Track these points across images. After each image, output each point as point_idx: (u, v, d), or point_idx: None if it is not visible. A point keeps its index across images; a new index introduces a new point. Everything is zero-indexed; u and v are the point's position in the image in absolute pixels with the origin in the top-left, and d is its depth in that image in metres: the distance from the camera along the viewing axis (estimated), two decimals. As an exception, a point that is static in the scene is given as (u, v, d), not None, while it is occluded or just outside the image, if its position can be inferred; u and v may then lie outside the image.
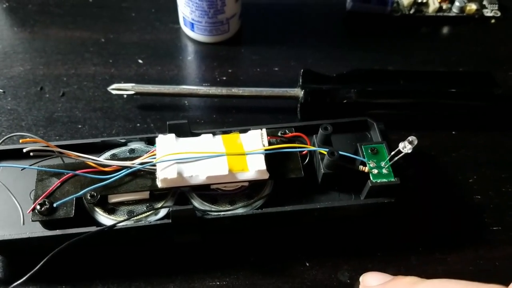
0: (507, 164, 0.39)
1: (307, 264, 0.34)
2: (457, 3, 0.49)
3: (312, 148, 0.34)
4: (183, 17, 0.45)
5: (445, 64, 0.46)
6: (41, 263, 0.28)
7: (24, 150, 0.30)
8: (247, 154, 0.32)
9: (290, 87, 0.41)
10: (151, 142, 0.35)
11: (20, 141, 0.30)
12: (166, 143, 0.33)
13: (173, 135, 0.33)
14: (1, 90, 0.42)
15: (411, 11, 0.49)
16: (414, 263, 0.34)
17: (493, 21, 0.50)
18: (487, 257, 0.35)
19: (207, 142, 0.33)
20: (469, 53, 0.47)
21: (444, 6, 0.49)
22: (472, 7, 0.49)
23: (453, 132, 0.41)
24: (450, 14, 0.49)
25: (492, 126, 0.41)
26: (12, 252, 0.32)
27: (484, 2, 0.50)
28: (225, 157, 0.32)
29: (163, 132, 0.39)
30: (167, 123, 0.35)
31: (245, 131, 0.35)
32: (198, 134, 0.35)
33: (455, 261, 0.34)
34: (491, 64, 0.46)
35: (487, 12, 0.49)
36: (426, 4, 0.49)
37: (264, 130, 0.34)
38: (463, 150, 0.40)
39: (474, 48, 0.48)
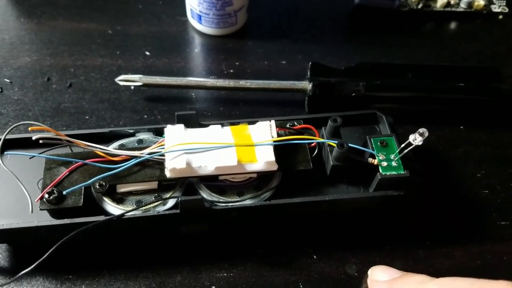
0: (515, 159, 0.39)
1: (315, 257, 0.34)
2: (465, -1, 0.49)
3: (321, 140, 0.33)
4: (191, 9, 0.45)
5: (452, 59, 0.46)
6: (49, 252, 0.28)
7: (33, 138, 0.30)
8: (255, 145, 0.32)
9: (297, 80, 0.41)
10: (159, 133, 0.35)
11: (29, 128, 0.30)
12: (175, 133, 0.32)
13: (181, 125, 0.33)
14: (8, 81, 0.42)
15: (419, 6, 0.49)
16: (421, 257, 0.34)
17: (501, 17, 0.49)
18: (494, 251, 0.35)
19: (216, 133, 0.33)
20: (476, 48, 0.47)
21: (452, 1, 0.49)
22: (480, 2, 0.49)
23: (461, 127, 0.41)
24: (458, 10, 0.49)
25: (500, 121, 0.41)
26: (20, 240, 0.32)
27: (492, -2, 0.50)
28: (234, 148, 0.32)
29: (171, 123, 0.39)
30: (176, 113, 0.34)
31: (253, 123, 0.35)
32: (206, 126, 0.34)
33: (462, 255, 0.34)
34: (498, 60, 0.46)
35: (495, 8, 0.49)
36: (434, -1, 0.49)
37: (272, 122, 0.34)
38: (470, 145, 0.40)
39: (481, 44, 0.47)
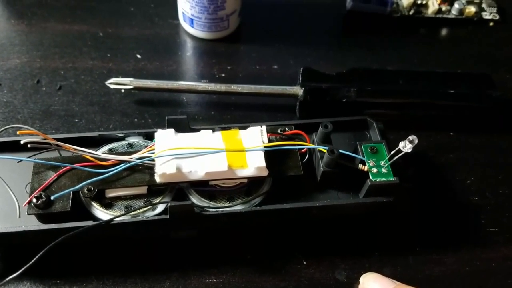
0: (504, 166, 0.39)
1: (304, 263, 0.34)
2: (456, 5, 0.49)
3: (312, 146, 0.33)
4: (183, 13, 0.45)
5: (443, 65, 0.46)
6: (36, 257, 0.28)
7: (22, 142, 0.30)
8: (246, 150, 0.32)
9: (289, 85, 0.41)
10: (149, 137, 0.35)
11: (18, 132, 0.30)
12: (165, 138, 0.32)
13: (172, 130, 0.33)
14: (-3, 83, 0.42)
15: (411, 12, 0.49)
16: (411, 263, 0.34)
17: (491, 24, 0.50)
18: (483, 258, 0.35)
19: (207, 138, 0.33)
20: (467, 55, 0.47)
21: (444, 8, 0.49)
22: (471, 9, 0.49)
23: (451, 133, 0.41)
24: (449, 16, 0.49)
25: (490, 127, 0.41)
26: (7, 245, 0.32)
27: (483, 5, 0.50)
28: (225, 153, 0.32)
29: (161, 127, 0.39)
30: (166, 118, 0.34)
31: (244, 128, 0.34)
32: (197, 130, 0.34)
33: (452, 261, 0.34)
34: (489, 66, 0.46)
35: (486, 15, 0.50)
36: (426, 6, 0.49)
37: (264, 127, 0.34)
38: (461, 151, 0.40)
39: (473, 50, 0.48)
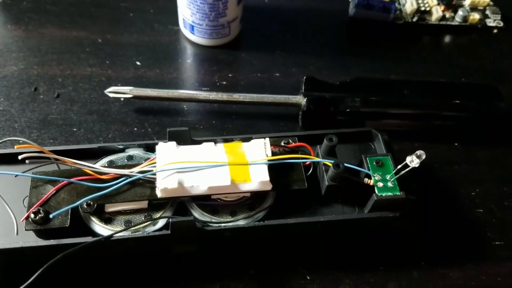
0: (510, 179, 0.39)
1: (308, 278, 0.33)
2: (460, 12, 0.48)
3: (317, 159, 0.33)
4: (183, 19, 0.44)
5: (447, 73, 0.46)
6: (34, 276, 0.27)
7: (20, 157, 0.29)
8: (250, 164, 0.31)
9: (291, 93, 0.40)
10: (150, 148, 0.34)
11: (15, 147, 0.29)
12: (167, 151, 0.32)
13: (174, 143, 0.32)
14: (-6, 90, 0.41)
15: (414, 19, 0.49)
16: (416, 278, 0.34)
17: (495, 31, 0.49)
18: (489, 272, 0.34)
19: (209, 150, 0.32)
20: (470, 62, 0.47)
21: (447, 15, 0.49)
22: (475, 16, 0.48)
23: (455, 144, 0.41)
24: (453, 23, 0.49)
25: (495, 139, 0.41)
26: (4, 263, 0.31)
27: (487, 12, 0.50)
28: (227, 167, 0.31)
29: (161, 137, 0.39)
30: (168, 130, 0.34)
31: (246, 139, 0.34)
32: (198, 142, 0.34)
33: (457, 276, 0.34)
34: (492, 74, 0.46)
35: (490, 22, 0.49)
36: (429, 13, 0.49)
37: (267, 140, 0.33)
38: (466, 163, 0.40)
39: (476, 58, 0.47)
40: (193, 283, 0.32)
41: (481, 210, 0.37)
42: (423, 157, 0.29)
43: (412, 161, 0.29)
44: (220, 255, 0.33)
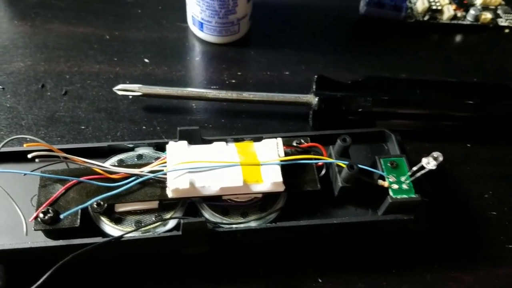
0: (523, 180, 0.38)
1: (320, 280, 0.33)
2: (472, 12, 0.48)
3: (331, 160, 0.32)
4: (192, 16, 0.44)
5: (458, 72, 0.45)
6: (43, 278, 0.26)
7: (29, 156, 0.28)
8: (262, 164, 0.31)
9: (301, 91, 0.39)
10: (159, 147, 0.33)
11: (24, 145, 0.29)
12: (177, 150, 0.31)
13: (185, 142, 0.32)
14: (0, 87, 0.40)
15: (425, 18, 0.48)
16: (429, 281, 0.33)
17: (507, 30, 0.49)
18: (502, 275, 0.34)
19: (220, 150, 0.31)
20: (482, 61, 0.46)
21: (459, 14, 0.48)
22: (487, 16, 0.48)
23: (468, 145, 0.40)
24: (465, 22, 0.48)
25: (508, 139, 0.40)
26: (13, 264, 0.30)
27: (499, 11, 0.49)
28: (240, 167, 0.30)
29: (170, 135, 0.38)
30: (178, 129, 0.33)
31: (257, 138, 0.33)
32: (208, 141, 0.33)
33: (471, 279, 0.33)
34: (504, 74, 0.45)
35: (502, 22, 0.48)
36: (441, 11, 0.48)
37: (280, 140, 0.32)
38: (478, 163, 0.39)
39: (488, 57, 0.47)
40: (202, 284, 0.32)
41: (495, 212, 0.37)
42: (440, 159, 0.28)
43: (429, 163, 0.29)
44: (230, 256, 0.33)
